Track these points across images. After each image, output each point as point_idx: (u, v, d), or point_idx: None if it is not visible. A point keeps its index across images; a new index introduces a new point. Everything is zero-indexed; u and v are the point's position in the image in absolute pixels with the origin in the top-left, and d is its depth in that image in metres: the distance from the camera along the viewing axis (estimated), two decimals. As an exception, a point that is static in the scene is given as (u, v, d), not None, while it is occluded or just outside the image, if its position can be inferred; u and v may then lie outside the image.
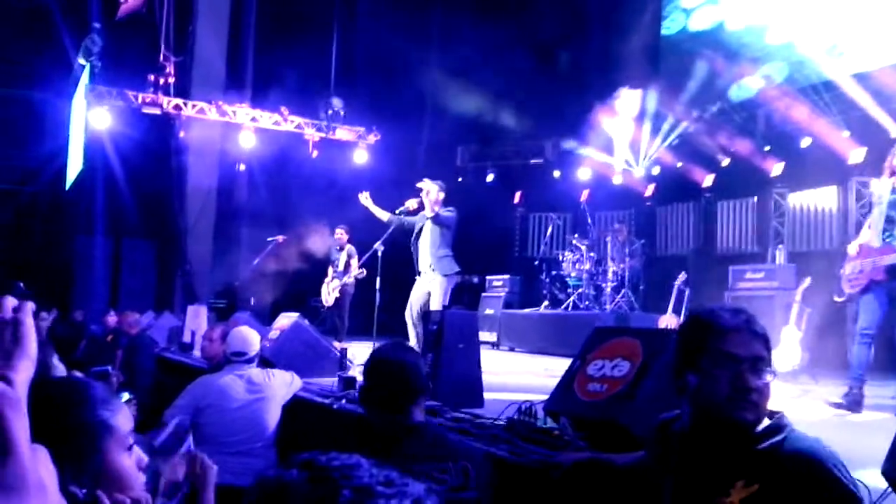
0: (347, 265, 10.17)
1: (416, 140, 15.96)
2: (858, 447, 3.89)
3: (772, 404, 1.85)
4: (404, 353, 2.70)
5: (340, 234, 10.34)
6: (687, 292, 8.86)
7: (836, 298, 6.53)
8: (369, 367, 2.66)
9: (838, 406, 5.07)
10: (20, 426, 0.95)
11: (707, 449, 1.84)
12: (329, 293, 10.16)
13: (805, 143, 10.83)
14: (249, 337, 4.75)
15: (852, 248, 5.45)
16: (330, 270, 10.29)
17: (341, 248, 10.29)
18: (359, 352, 7.23)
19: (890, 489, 2.32)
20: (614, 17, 13.88)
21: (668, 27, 13.37)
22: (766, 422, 1.80)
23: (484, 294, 13.06)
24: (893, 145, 5.39)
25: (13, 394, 0.96)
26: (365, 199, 8.01)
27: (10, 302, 1.28)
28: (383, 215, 7.89)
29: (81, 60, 13.16)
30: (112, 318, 10.73)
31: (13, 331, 1.24)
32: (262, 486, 0.85)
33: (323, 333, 7.66)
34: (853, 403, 5.08)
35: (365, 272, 9.57)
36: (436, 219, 7.20)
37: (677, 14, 13.17)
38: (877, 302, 5.19)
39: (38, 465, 0.98)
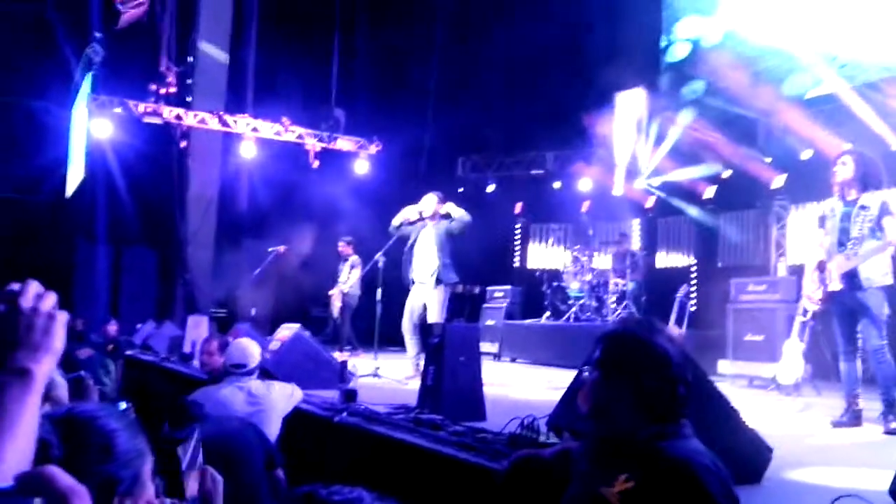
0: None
1: (417, 151, 15.95)
2: (869, 462, 3.87)
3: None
4: None
5: (343, 246, 10.44)
6: (689, 305, 8.82)
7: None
8: None
9: (840, 425, 5.09)
10: None
11: (605, 446, 2.05)
12: (334, 303, 10.37)
13: (806, 155, 10.79)
14: (249, 348, 4.73)
15: (808, 267, 5.46)
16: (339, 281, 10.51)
17: (345, 260, 10.40)
18: (360, 363, 7.20)
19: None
20: (616, 24, 13.82)
21: (672, 38, 13.37)
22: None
23: (485, 305, 13.01)
24: (836, 162, 5.48)
25: (83, 490, 0.93)
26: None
27: (35, 288, 1.26)
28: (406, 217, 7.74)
29: (82, 69, 13.17)
30: (112, 328, 10.70)
31: (45, 324, 1.22)
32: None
33: (325, 344, 7.66)
34: (853, 419, 5.12)
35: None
36: (448, 229, 7.33)
37: (682, 28, 13.15)
38: (846, 313, 5.20)
39: None
